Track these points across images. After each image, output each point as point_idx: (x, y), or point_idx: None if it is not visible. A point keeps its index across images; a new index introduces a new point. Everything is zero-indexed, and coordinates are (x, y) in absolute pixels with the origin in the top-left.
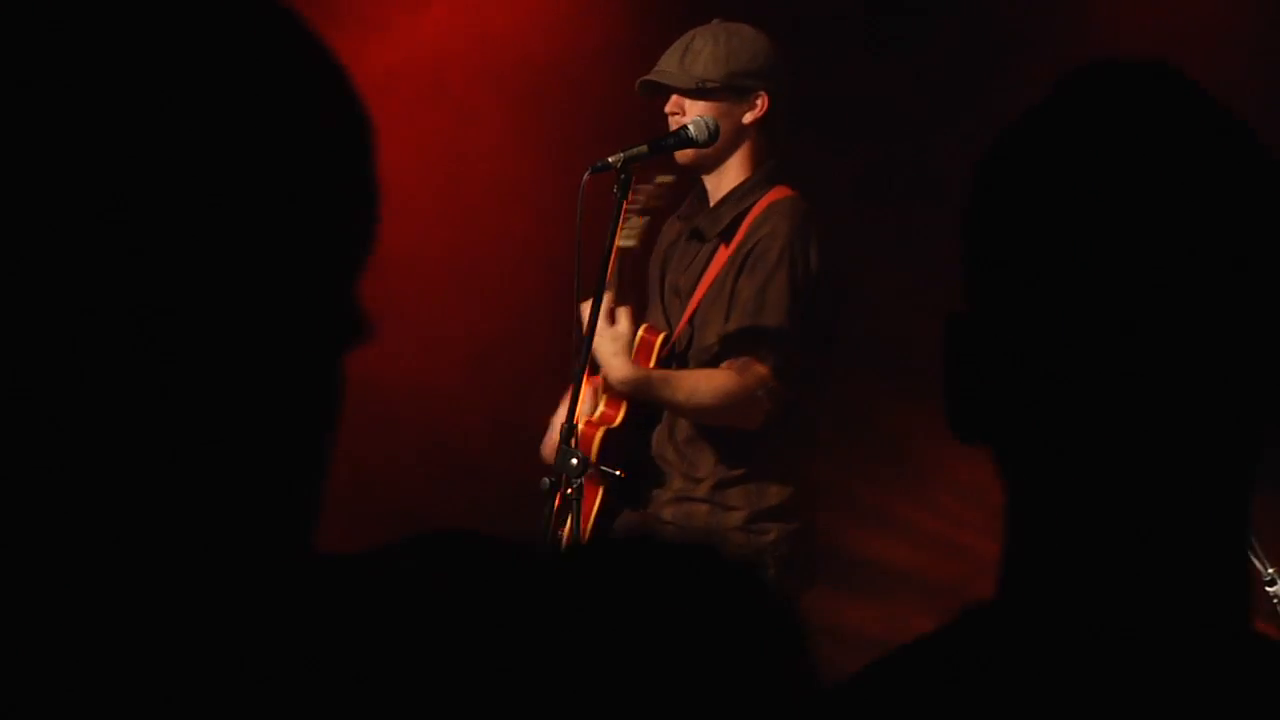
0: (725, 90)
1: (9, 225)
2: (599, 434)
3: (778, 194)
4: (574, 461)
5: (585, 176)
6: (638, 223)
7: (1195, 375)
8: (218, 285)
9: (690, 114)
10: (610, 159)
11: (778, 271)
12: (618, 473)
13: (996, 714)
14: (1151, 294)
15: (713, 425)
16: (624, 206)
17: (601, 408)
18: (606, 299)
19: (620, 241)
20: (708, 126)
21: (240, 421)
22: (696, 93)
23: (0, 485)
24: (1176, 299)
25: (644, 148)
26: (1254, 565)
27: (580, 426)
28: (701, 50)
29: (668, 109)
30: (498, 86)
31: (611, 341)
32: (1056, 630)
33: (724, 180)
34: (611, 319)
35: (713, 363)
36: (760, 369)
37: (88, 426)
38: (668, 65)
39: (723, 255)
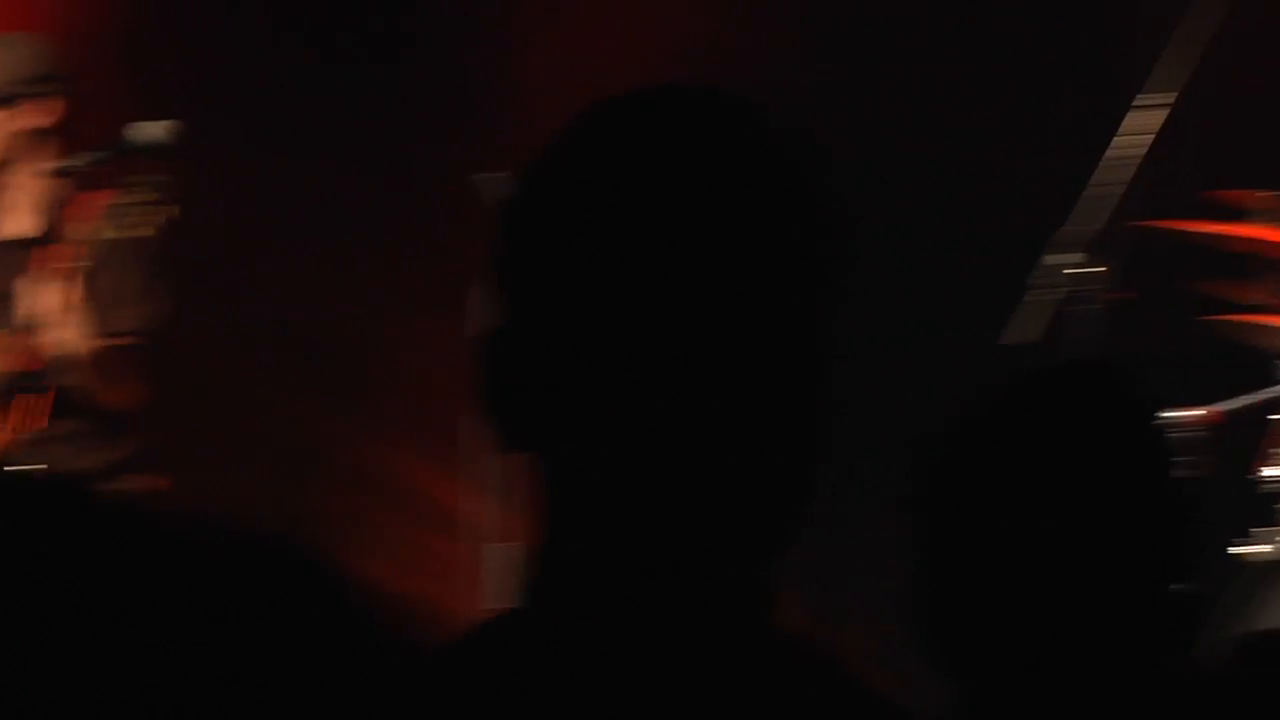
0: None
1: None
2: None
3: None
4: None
5: (52, 180)
6: (151, 212)
7: (722, 384)
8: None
9: None
10: (76, 162)
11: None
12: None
13: (514, 714)
14: (673, 304)
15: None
16: (98, 201)
17: None
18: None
19: (124, 233)
20: (168, 127)
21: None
22: None
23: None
24: (697, 308)
25: (108, 153)
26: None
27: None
28: None
29: None
30: None
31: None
32: (584, 632)
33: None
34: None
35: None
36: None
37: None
38: None
39: (59, 253)
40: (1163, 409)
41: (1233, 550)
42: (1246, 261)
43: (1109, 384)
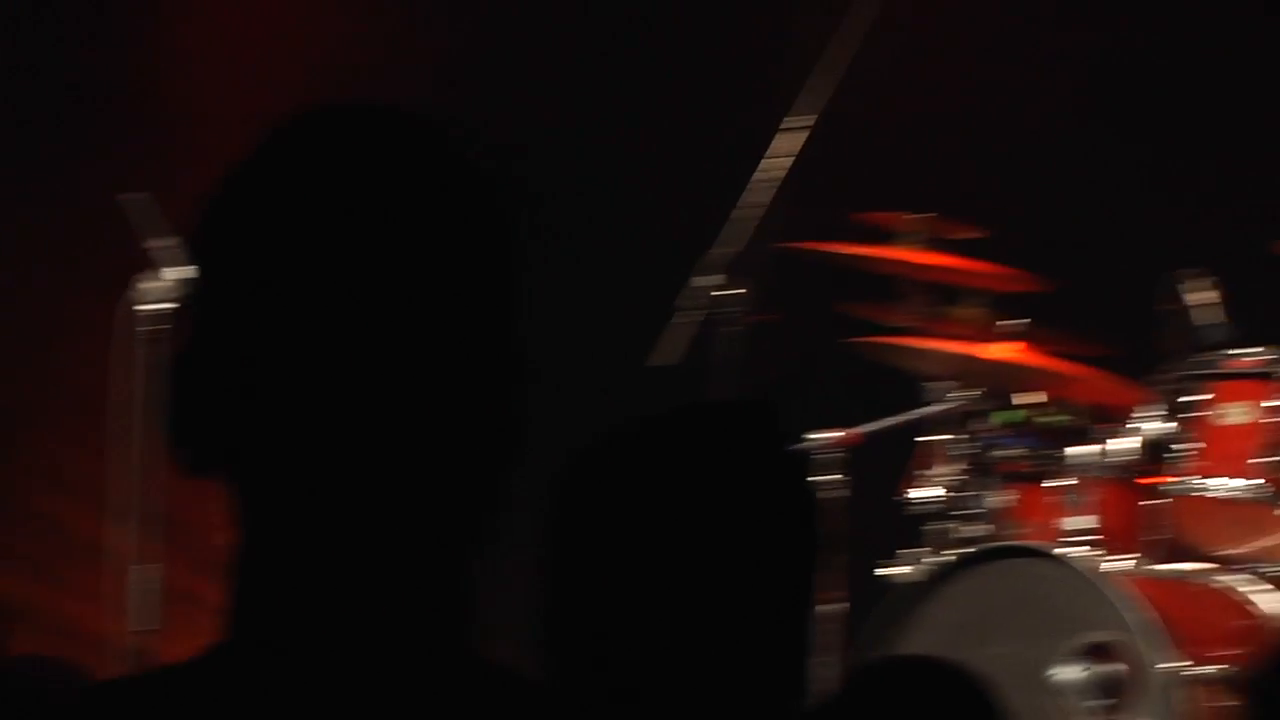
0: None
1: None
2: None
3: None
4: None
5: None
6: None
7: (411, 401)
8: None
9: None
10: None
11: None
12: None
13: None
14: (359, 324)
15: None
16: None
17: None
18: None
19: None
20: None
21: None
22: None
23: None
24: (383, 327)
25: None
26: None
27: None
28: None
29: None
30: None
31: None
32: (289, 659)
33: None
34: None
35: None
36: None
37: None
38: None
39: None
40: (801, 432)
41: (878, 571)
42: (891, 284)
43: (744, 410)
